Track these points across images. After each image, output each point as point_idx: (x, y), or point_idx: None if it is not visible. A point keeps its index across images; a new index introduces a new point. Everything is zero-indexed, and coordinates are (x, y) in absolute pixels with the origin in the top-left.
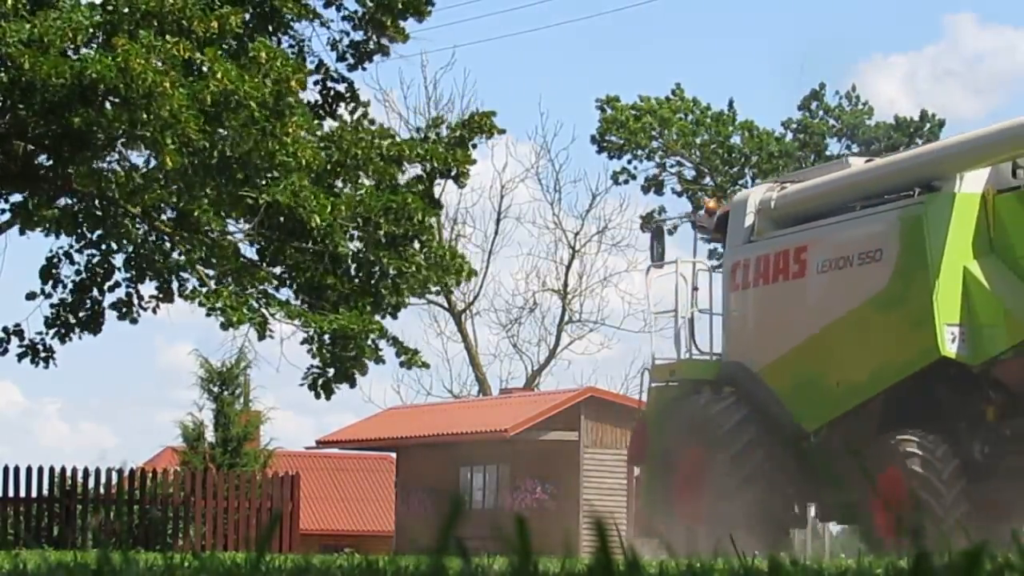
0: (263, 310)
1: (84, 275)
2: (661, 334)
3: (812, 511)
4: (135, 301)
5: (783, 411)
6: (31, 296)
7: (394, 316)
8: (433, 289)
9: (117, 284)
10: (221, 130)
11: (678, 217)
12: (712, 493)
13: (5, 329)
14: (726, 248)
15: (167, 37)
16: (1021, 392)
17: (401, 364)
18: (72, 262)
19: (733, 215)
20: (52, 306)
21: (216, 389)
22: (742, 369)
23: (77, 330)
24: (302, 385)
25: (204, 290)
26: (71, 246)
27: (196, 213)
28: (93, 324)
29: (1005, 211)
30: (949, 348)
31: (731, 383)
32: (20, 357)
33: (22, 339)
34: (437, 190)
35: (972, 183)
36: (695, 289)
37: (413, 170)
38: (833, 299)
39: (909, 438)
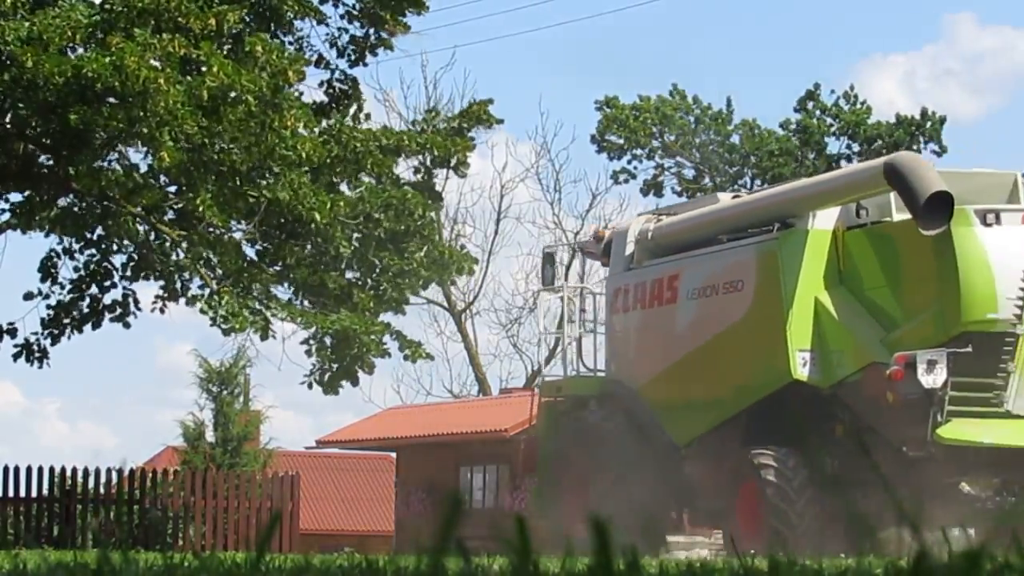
0: (265, 312)
1: (83, 273)
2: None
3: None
4: (131, 304)
5: (658, 426)
6: (29, 296)
7: (395, 312)
8: (435, 281)
9: (114, 285)
10: (219, 126)
11: (567, 243)
12: (596, 501)
13: None
14: (609, 274)
15: (163, 35)
16: (865, 412)
17: (405, 358)
18: (72, 258)
19: (615, 244)
20: (49, 307)
21: (215, 389)
22: (622, 386)
23: (70, 330)
24: (303, 383)
25: (206, 293)
26: (71, 244)
27: (200, 208)
28: (93, 320)
29: (853, 246)
30: (801, 372)
31: (613, 399)
32: (15, 357)
33: (14, 337)
34: (438, 184)
35: (824, 220)
36: (582, 311)
37: (412, 162)
38: (701, 325)
39: (765, 452)
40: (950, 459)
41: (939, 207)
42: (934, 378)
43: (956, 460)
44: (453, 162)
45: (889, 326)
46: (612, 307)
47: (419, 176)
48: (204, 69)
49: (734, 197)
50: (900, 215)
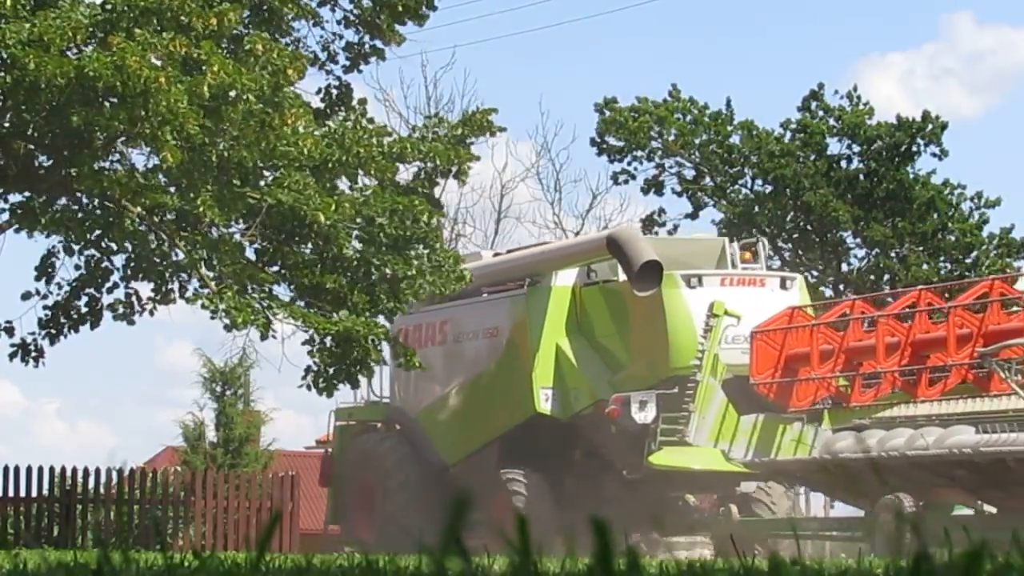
0: (266, 312)
1: (83, 272)
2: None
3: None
4: (134, 301)
5: (432, 447)
6: (27, 296)
7: (389, 319)
8: (435, 290)
9: (116, 285)
10: (220, 126)
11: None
12: (380, 512)
13: None
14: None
15: (164, 34)
16: (597, 439)
17: (398, 365)
18: (72, 255)
19: None
20: (46, 307)
21: (219, 389)
22: (403, 413)
23: (67, 330)
24: (301, 386)
25: (206, 292)
26: (71, 242)
27: (201, 209)
28: (92, 320)
29: (588, 300)
30: (543, 406)
31: (396, 424)
32: (11, 356)
33: (11, 336)
34: (437, 190)
35: (565, 278)
36: None
37: (413, 169)
38: (466, 364)
39: (515, 472)
40: (665, 479)
41: (651, 272)
42: (645, 415)
43: (670, 480)
44: (455, 171)
45: (616, 368)
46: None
47: (420, 180)
48: (204, 68)
49: (495, 255)
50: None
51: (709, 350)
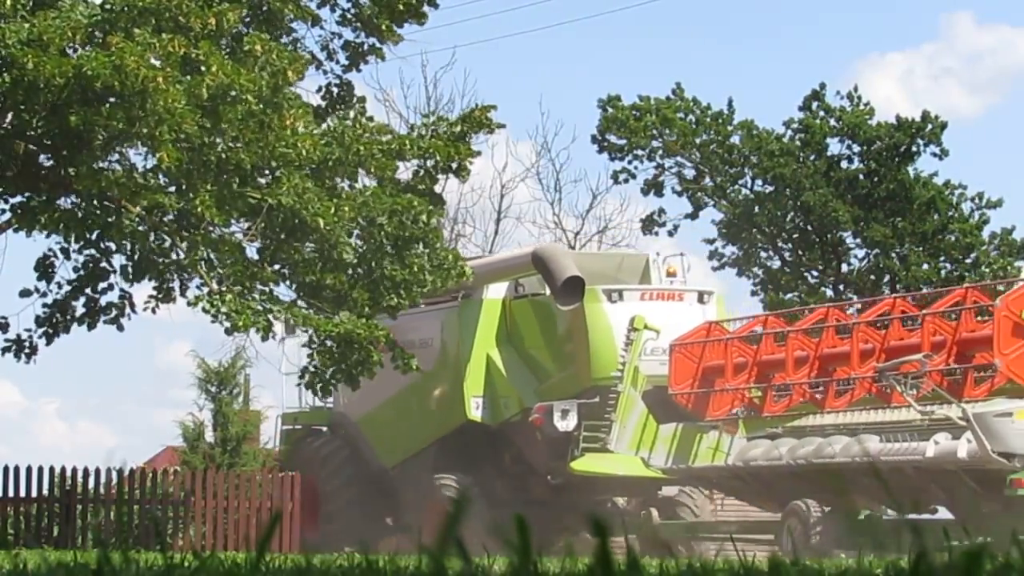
0: (267, 314)
1: (81, 273)
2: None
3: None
4: (126, 306)
5: (371, 451)
6: (26, 293)
7: (393, 316)
8: (436, 288)
9: (111, 287)
10: (219, 126)
11: None
12: (323, 511)
13: None
14: None
15: (163, 34)
16: (524, 445)
17: (396, 368)
18: (68, 257)
19: None
20: (45, 306)
21: (214, 389)
22: (345, 418)
23: (61, 329)
24: (299, 385)
25: (206, 291)
26: (69, 244)
27: (200, 209)
28: (88, 321)
29: (517, 313)
30: (474, 413)
31: (338, 428)
32: (4, 351)
33: (6, 331)
34: (437, 188)
35: (495, 292)
36: None
37: (413, 167)
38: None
39: (447, 476)
40: (587, 484)
41: (574, 287)
42: (567, 423)
43: (592, 485)
44: (455, 166)
45: (544, 377)
46: None
47: (420, 177)
48: (203, 69)
49: None
50: None
51: (630, 362)
